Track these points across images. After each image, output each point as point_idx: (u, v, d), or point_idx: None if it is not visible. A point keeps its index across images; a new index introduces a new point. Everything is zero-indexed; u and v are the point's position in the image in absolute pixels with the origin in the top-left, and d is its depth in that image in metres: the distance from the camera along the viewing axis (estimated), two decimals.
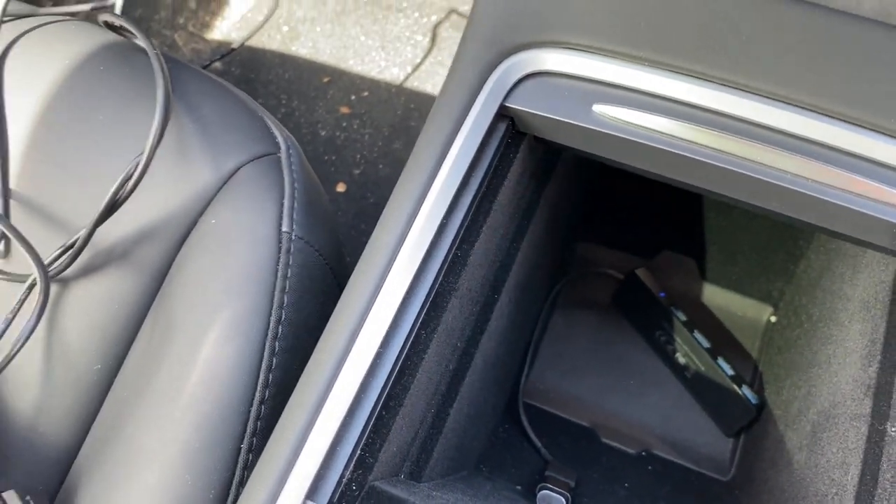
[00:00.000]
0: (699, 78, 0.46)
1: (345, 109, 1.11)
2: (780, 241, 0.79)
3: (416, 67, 1.12)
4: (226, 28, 1.19)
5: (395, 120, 1.09)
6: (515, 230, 0.56)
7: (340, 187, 1.09)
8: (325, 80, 1.13)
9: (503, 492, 0.60)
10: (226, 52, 0.97)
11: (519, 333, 0.71)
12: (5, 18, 0.60)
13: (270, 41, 1.15)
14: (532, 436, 0.73)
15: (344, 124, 1.10)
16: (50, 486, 0.51)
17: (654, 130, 0.46)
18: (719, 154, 0.45)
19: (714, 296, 0.85)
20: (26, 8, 0.62)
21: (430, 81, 1.11)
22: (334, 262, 0.54)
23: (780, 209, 0.46)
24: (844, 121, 0.43)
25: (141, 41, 0.53)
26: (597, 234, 0.86)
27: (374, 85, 1.12)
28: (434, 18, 1.15)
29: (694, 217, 0.84)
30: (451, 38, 1.14)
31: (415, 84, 1.11)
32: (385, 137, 1.09)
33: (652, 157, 0.48)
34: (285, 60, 1.14)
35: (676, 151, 0.46)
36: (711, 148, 0.45)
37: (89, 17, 0.64)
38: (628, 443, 0.78)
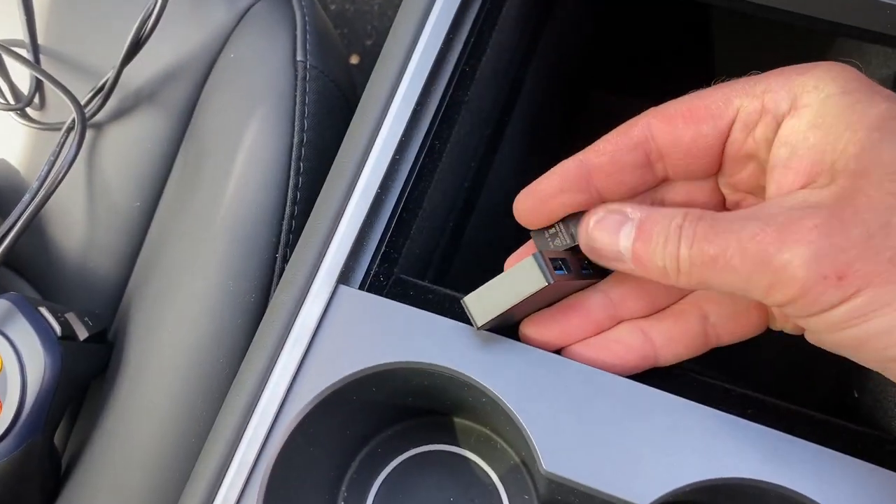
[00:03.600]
0: None
1: None
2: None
3: None
4: None
5: None
6: (524, 52, 0.58)
7: (354, 59, 1.10)
8: None
9: None
10: None
11: (531, 169, 0.74)
12: None
13: None
14: None
15: None
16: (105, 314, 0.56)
17: None
18: None
19: None
20: None
21: None
22: (349, 92, 0.57)
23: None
24: None
25: None
26: (608, 79, 0.86)
27: None
28: None
29: (709, 56, 0.84)
30: None
31: None
32: (395, 6, 1.08)
33: None
34: None
35: None
36: None
37: None
38: None
